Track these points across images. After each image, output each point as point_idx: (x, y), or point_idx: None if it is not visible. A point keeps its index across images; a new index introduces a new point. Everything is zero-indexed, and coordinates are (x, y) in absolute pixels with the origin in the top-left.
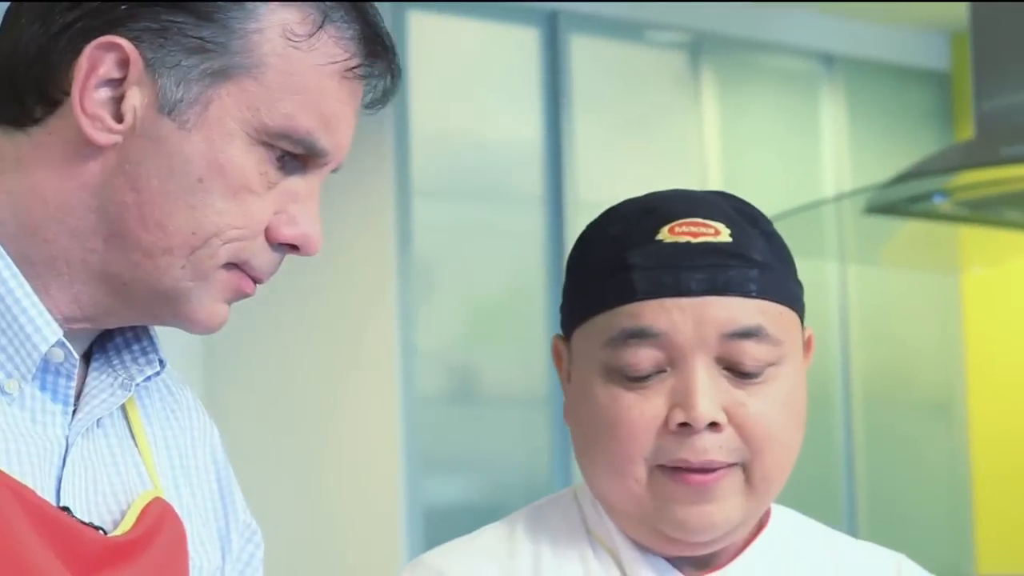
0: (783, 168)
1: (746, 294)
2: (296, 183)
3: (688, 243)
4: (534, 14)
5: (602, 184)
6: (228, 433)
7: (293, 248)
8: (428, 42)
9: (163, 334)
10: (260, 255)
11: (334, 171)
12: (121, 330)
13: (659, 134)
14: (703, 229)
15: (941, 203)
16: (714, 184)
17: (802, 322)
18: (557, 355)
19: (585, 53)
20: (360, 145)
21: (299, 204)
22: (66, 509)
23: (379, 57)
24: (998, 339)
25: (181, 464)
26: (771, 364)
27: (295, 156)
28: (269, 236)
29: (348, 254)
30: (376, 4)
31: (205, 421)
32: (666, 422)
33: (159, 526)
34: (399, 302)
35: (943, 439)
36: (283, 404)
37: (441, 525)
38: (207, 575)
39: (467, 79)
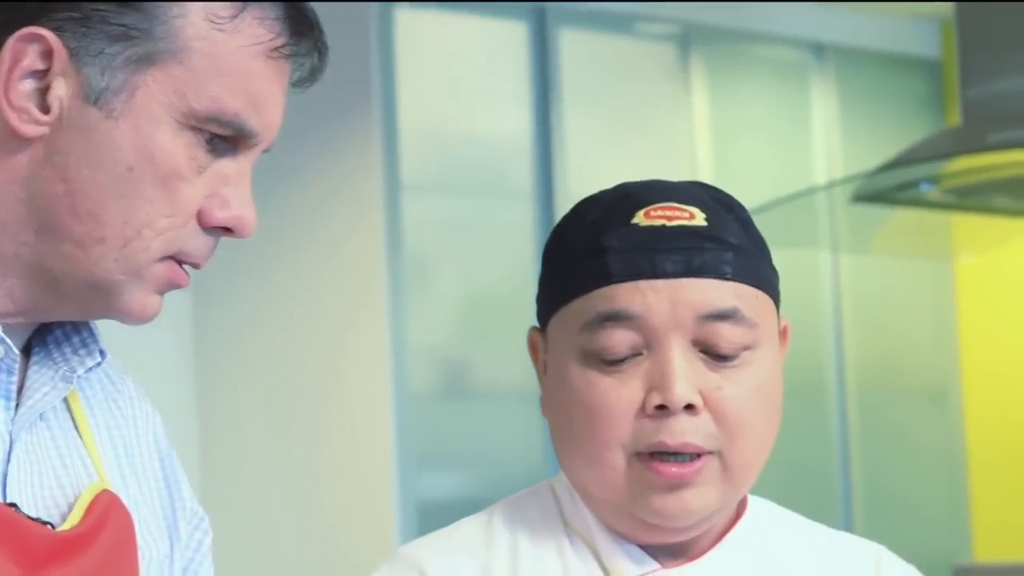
0: (774, 158)
1: (721, 276)
2: (227, 165)
3: (663, 226)
4: (522, 8)
5: (593, 177)
6: (219, 431)
7: (227, 231)
8: (416, 38)
9: (155, 330)
10: (193, 240)
11: (266, 151)
12: (60, 323)
13: (649, 126)
14: (678, 213)
15: (928, 190)
16: (705, 175)
17: (778, 310)
18: (533, 347)
19: (574, 47)
20: (348, 141)
21: (231, 186)
22: (13, 505)
23: (304, 35)
24: (992, 326)
25: (126, 454)
26: (747, 347)
27: (225, 138)
28: (202, 220)
29: (338, 250)
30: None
31: (147, 410)
32: (643, 406)
33: (107, 518)
34: (389, 298)
35: (938, 427)
36: (274, 401)
37: (435, 520)
38: (156, 564)
39: (455, 74)
